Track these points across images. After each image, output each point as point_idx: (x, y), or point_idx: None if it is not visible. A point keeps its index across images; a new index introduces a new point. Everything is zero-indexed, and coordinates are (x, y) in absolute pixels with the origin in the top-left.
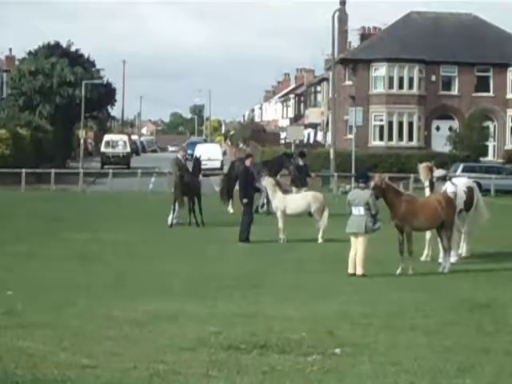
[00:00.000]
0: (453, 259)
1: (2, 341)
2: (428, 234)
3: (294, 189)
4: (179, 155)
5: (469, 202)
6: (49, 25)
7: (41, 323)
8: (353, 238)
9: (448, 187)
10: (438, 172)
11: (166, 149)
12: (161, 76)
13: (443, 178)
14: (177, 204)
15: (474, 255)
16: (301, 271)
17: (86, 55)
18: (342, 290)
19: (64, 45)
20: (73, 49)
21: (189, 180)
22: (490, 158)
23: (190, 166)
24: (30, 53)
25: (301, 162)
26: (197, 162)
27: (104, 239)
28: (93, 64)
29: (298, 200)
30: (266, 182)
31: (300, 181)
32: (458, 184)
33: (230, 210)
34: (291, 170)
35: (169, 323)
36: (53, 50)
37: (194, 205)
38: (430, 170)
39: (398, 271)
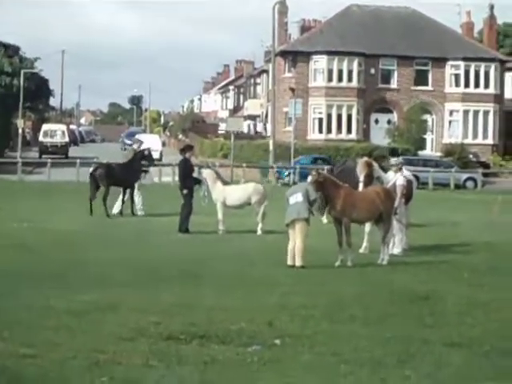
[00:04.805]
0: (396, 251)
1: None
2: (367, 227)
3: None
4: (135, 146)
5: (408, 195)
6: None
7: None
8: (291, 231)
9: (398, 179)
10: (394, 160)
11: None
12: (98, 66)
13: (399, 168)
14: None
15: (413, 247)
16: (240, 262)
17: (20, 45)
18: (282, 281)
19: None
20: (7, 39)
21: (120, 171)
22: (428, 151)
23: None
24: None
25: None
26: (139, 154)
27: (43, 229)
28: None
29: (238, 191)
30: (207, 174)
31: None
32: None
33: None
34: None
35: (108, 313)
36: None
37: (124, 196)
38: (369, 166)
39: (337, 263)
